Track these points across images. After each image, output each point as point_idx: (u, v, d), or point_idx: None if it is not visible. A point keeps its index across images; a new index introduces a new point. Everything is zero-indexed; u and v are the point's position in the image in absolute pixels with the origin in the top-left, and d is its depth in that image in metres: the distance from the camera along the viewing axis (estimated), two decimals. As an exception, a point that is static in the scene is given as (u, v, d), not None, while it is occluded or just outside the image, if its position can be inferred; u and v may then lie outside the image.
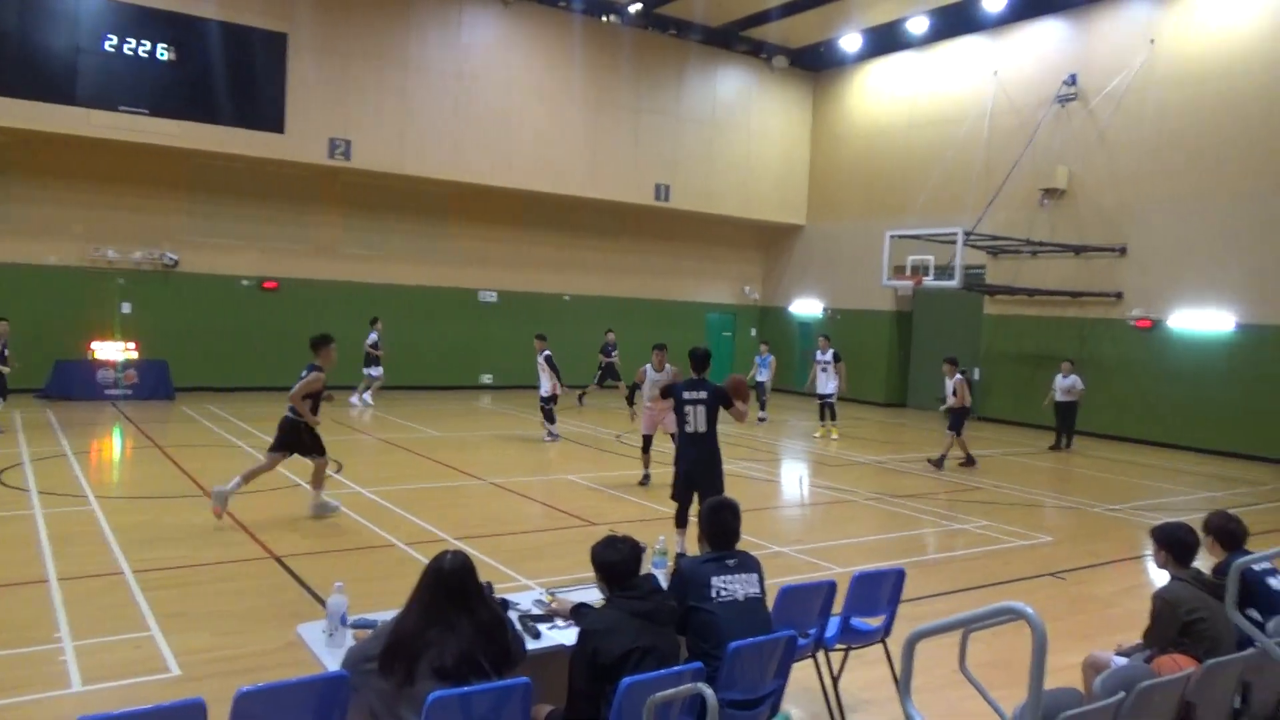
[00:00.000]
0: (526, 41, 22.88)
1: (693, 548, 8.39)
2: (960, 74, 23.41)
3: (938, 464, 14.76)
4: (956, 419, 14.85)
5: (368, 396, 19.81)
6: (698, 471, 8.12)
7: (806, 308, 27.77)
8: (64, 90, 17.51)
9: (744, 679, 4.03)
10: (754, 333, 28.84)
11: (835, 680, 5.12)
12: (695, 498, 8.05)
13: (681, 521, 8.26)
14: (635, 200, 24.79)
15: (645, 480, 12.28)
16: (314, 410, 9.49)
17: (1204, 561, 4.91)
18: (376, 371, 19.95)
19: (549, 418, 15.83)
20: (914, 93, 24.62)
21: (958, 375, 15.08)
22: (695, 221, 27.30)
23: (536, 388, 16.00)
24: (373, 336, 19.92)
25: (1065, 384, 17.72)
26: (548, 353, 15.74)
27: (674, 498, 8.36)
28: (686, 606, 4.20)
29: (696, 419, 8.09)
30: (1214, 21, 18.52)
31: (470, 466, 13.09)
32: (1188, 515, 10.90)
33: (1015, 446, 17.53)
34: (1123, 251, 19.81)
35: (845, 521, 10.64)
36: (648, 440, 12.50)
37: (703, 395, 8.08)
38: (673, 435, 10.02)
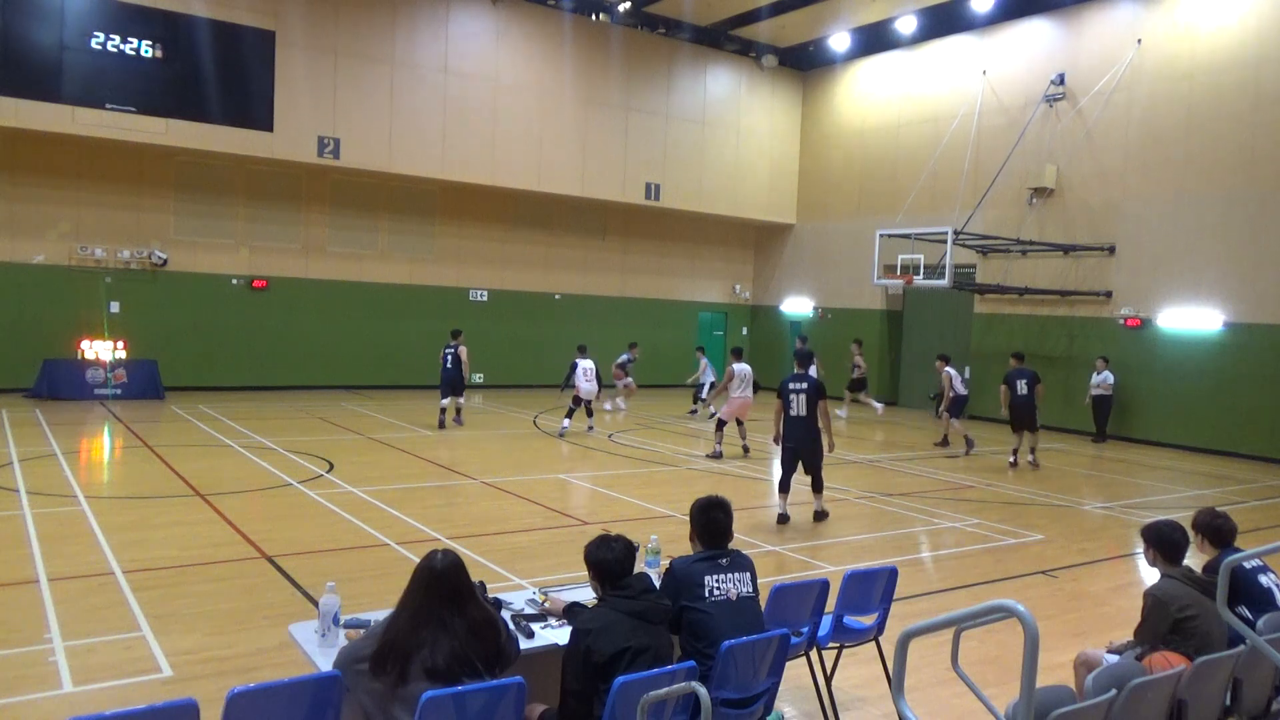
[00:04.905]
0: (515, 40, 22.84)
1: (797, 513, 10.39)
2: (949, 73, 23.47)
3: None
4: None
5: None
6: (802, 447, 10.21)
7: (797, 306, 27.81)
8: (50, 88, 17.41)
9: (737, 678, 4.04)
10: (745, 332, 28.88)
11: (828, 679, 5.13)
12: (801, 467, 10.29)
13: (784, 488, 10.25)
14: (625, 199, 24.79)
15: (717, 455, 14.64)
16: None
17: (1194, 559, 4.93)
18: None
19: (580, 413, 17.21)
20: (903, 92, 24.67)
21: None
22: (685, 220, 27.32)
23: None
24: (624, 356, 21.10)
25: (1099, 379, 18.78)
26: (572, 363, 17.49)
27: (782, 469, 10.34)
28: (680, 606, 4.21)
29: (799, 405, 10.16)
30: (1201, 21, 18.61)
31: (462, 466, 13.07)
32: (1177, 513, 10.97)
33: (1006, 445, 17.56)
34: (1111, 250, 19.90)
35: (837, 520, 10.65)
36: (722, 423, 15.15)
37: (804, 386, 10.19)
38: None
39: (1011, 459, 15.42)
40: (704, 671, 3.95)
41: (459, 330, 17.98)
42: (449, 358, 16.96)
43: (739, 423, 15.38)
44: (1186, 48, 18.79)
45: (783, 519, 10.15)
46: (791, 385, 10.19)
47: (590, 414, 17.41)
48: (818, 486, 10.38)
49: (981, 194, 21.40)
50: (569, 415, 16.80)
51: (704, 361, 21.78)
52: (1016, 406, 15.23)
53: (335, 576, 6.12)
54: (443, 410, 16.95)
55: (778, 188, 27.54)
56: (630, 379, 20.89)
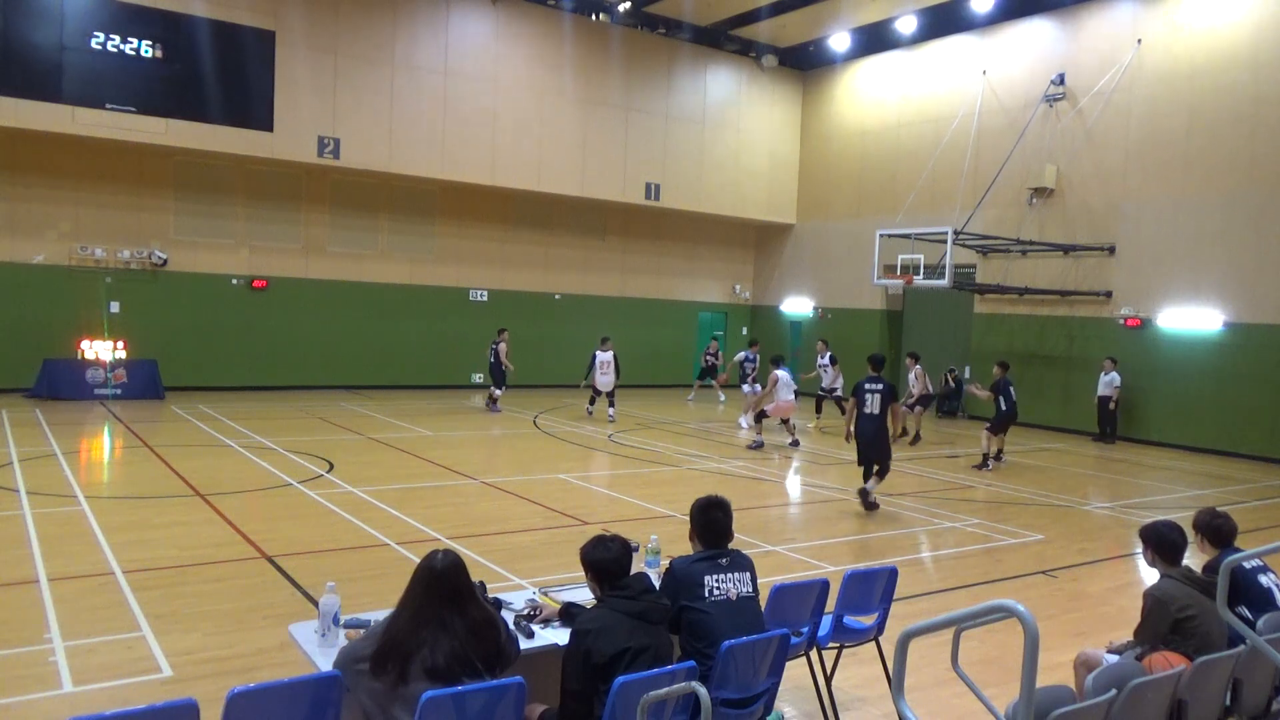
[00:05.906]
0: (515, 40, 22.84)
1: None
2: (949, 73, 23.47)
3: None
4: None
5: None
6: (873, 442, 11.08)
7: (797, 307, 27.81)
8: (50, 88, 17.39)
9: (737, 678, 4.04)
10: (745, 331, 28.87)
11: (828, 679, 5.13)
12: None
13: (866, 477, 11.18)
14: (625, 199, 24.78)
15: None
16: None
17: (1194, 559, 4.93)
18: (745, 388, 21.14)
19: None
20: (903, 92, 24.67)
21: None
22: (685, 220, 27.32)
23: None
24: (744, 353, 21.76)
25: (1106, 380, 18.89)
26: (593, 354, 19.08)
27: (859, 462, 11.35)
28: (679, 606, 4.20)
29: (873, 404, 11.09)
30: (1200, 21, 18.61)
31: (462, 466, 13.06)
32: (1177, 513, 10.97)
33: (1007, 445, 17.53)
34: (1111, 250, 19.90)
35: (838, 520, 10.66)
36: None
37: (879, 388, 11.12)
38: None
39: (999, 460, 15.47)
40: (704, 671, 3.95)
41: (504, 329, 20.40)
42: (492, 352, 19.63)
43: (784, 420, 16.78)
44: (1186, 48, 18.78)
45: (871, 506, 11.02)
46: (867, 386, 11.19)
47: (611, 404, 18.79)
48: (882, 474, 11.28)
49: (981, 194, 21.40)
50: (592, 401, 19.12)
51: (827, 355, 20.23)
52: (1014, 412, 15.40)
53: (335, 576, 6.11)
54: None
55: (777, 188, 27.53)
56: (755, 386, 20.18)
